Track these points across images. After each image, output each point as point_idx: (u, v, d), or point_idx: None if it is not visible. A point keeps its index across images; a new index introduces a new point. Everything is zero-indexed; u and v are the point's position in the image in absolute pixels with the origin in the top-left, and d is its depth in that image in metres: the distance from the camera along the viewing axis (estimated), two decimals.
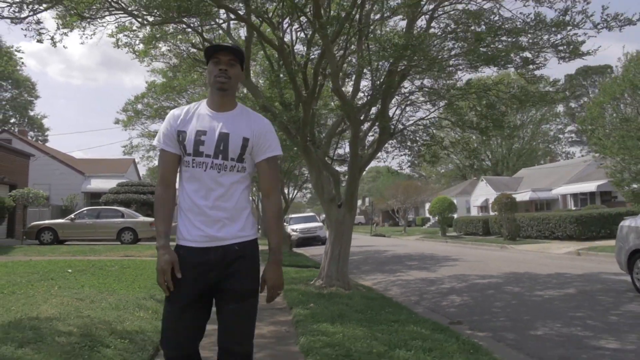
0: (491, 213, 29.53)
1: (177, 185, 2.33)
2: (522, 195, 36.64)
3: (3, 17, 5.70)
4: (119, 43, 9.69)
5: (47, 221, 19.45)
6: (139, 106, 17.62)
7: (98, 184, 29.90)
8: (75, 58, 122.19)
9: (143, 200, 26.40)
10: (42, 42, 6.57)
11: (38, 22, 6.24)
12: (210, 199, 2.21)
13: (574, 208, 31.65)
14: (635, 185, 14.60)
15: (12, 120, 47.86)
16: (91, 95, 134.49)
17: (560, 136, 60.78)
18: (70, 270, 7.85)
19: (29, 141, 32.48)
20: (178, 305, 2.17)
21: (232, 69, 2.27)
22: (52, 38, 6.56)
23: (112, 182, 28.42)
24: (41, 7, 5.95)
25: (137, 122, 18.40)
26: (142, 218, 19.90)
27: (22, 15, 5.84)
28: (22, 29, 6.17)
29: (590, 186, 30.97)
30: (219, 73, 2.25)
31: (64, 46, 9.97)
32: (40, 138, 48.49)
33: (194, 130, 2.24)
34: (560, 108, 56.78)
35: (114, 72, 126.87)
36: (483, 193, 41.40)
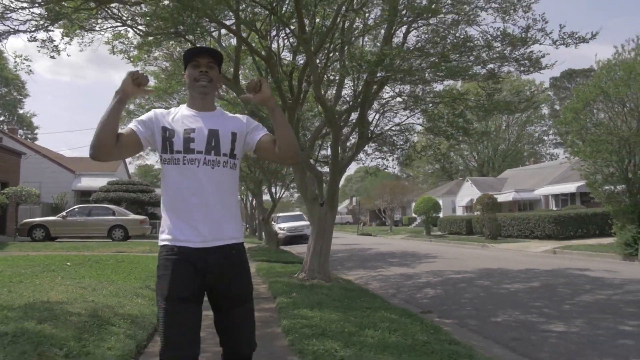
0: (475, 213, 30.32)
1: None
2: (506, 196, 37.51)
3: (18, 31, 6.22)
4: (115, 50, 10.23)
5: (39, 218, 19.81)
6: (131, 106, 18.02)
7: (88, 182, 30.20)
8: (64, 55, 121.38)
9: (133, 198, 26.82)
10: (54, 58, 7.09)
11: (51, 41, 6.78)
12: (204, 196, 2.18)
13: (555, 208, 32.52)
14: (606, 187, 15.26)
15: (2, 119, 47.93)
16: (80, 92, 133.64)
17: (545, 138, 61.91)
18: (69, 264, 8.36)
19: (20, 139, 32.68)
20: (178, 299, 2.10)
21: (211, 71, 2.30)
22: (56, 47, 7.08)
23: (102, 180, 28.78)
24: (52, 28, 6.47)
25: (129, 121, 18.75)
26: (132, 216, 20.37)
27: (34, 29, 6.35)
28: (37, 46, 6.61)
29: (570, 187, 31.84)
30: (200, 76, 2.27)
31: (67, 54, 10.32)
32: (29, 136, 48.52)
33: (182, 129, 2.22)
34: (545, 110, 58.07)
35: (103, 69, 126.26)
36: (468, 193, 42.19)
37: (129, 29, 8.90)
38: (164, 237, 2.20)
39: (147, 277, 7.47)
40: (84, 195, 29.57)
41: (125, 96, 2.20)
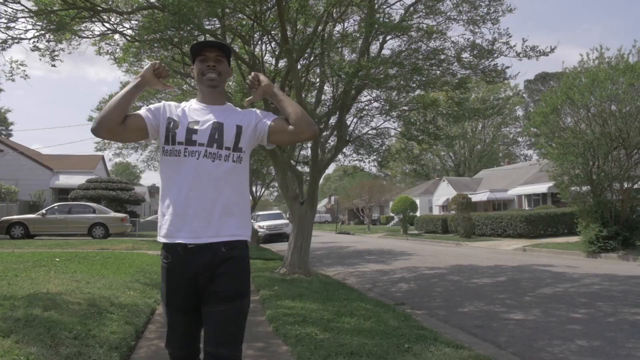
0: (450, 212, 31.12)
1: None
2: (481, 196, 38.55)
3: (21, 39, 6.49)
4: (101, 51, 10.51)
5: (17, 216, 19.80)
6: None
7: (66, 180, 30.05)
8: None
9: (112, 196, 26.83)
10: (55, 67, 7.37)
11: (52, 52, 7.07)
12: (201, 190, 2.12)
13: (527, 208, 33.57)
14: (573, 188, 16.04)
15: None
16: (54, 87, 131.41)
17: (519, 139, 63.41)
18: (57, 260, 8.64)
19: None
20: (176, 312, 2.21)
21: (220, 65, 2.25)
22: (54, 56, 7.37)
23: (80, 178, 28.68)
24: (52, 38, 6.78)
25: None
26: (113, 214, 20.48)
27: (36, 39, 6.67)
28: (39, 56, 6.85)
29: (542, 188, 32.91)
30: (208, 70, 2.22)
31: (60, 60, 10.38)
32: (3, 133, 47.78)
33: (187, 121, 2.19)
34: (519, 112, 59.58)
35: (78, 63, 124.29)
36: (445, 193, 43.11)
37: (112, 29, 9.22)
38: (161, 233, 2.19)
39: (135, 272, 7.83)
40: (62, 193, 29.42)
41: (143, 82, 2.22)
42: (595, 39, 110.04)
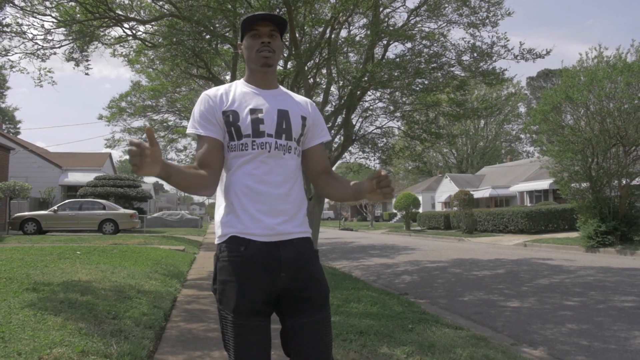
0: (453, 208, 31.49)
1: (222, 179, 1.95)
2: (483, 192, 38.91)
3: (54, 48, 6.94)
4: (115, 53, 10.97)
5: (30, 212, 20.29)
6: (123, 104, 18.64)
7: (75, 177, 30.57)
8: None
9: (120, 193, 27.31)
10: (89, 75, 7.84)
11: (86, 60, 7.55)
12: (276, 186, 1.86)
13: (529, 204, 33.93)
14: (572, 185, 16.41)
15: None
16: (58, 84, 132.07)
17: (522, 136, 63.62)
18: (79, 253, 9.09)
19: (6, 134, 32.85)
20: (250, 316, 1.77)
21: (274, 41, 1.93)
22: (76, 60, 7.81)
23: (89, 175, 29.19)
24: (87, 49, 7.25)
25: (120, 118, 19.40)
26: (122, 210, 20.94)
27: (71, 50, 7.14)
28: (73, 66, 7.28)
29: (544, 184, 33.24)
30: (262, 47, 1.90)
31: (89, 66, 10.72)
32: (12, 130, 48.38)
33: (247, 109, 1.88)
34: (522, 109, 59.85)
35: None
36: (447, 190, 43.49)
37: (131, 35, 9.68)
38: (226, 232, 1.85)
39: (153, 264, 8.29)
40: (71, 190, 29.95)
41: (159, 170, 1.58)
42: (599, 35, 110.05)
